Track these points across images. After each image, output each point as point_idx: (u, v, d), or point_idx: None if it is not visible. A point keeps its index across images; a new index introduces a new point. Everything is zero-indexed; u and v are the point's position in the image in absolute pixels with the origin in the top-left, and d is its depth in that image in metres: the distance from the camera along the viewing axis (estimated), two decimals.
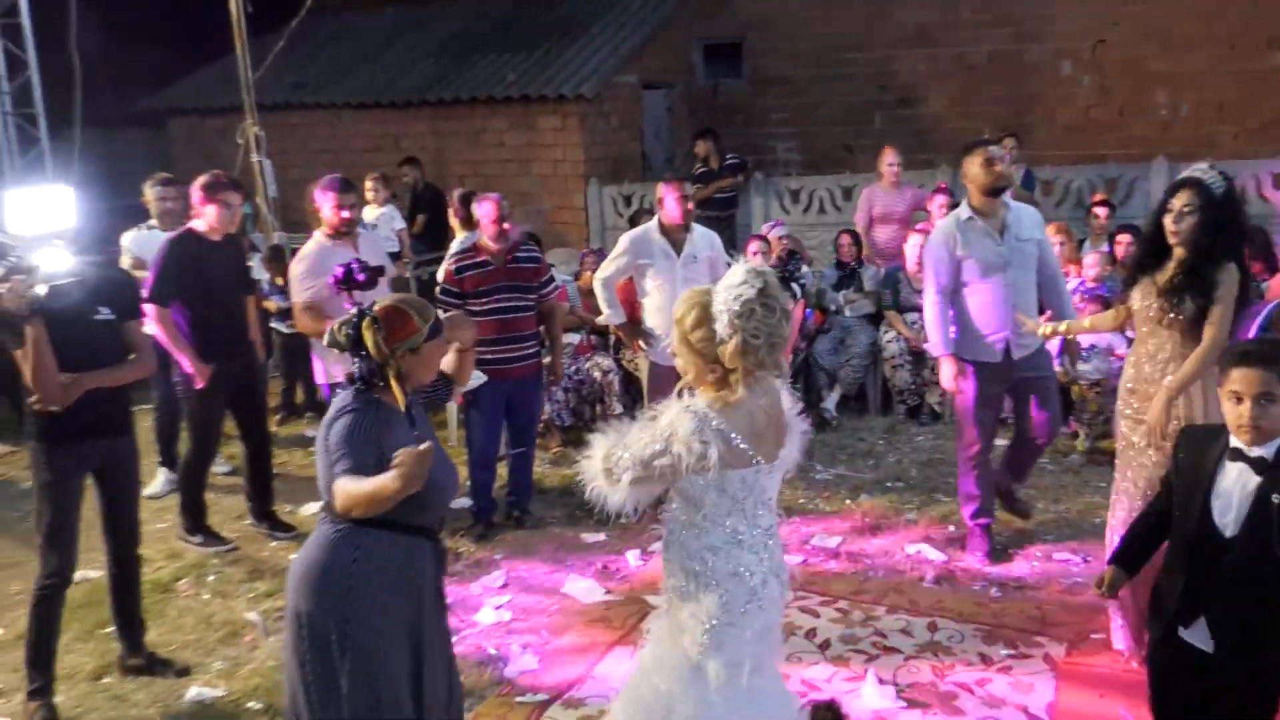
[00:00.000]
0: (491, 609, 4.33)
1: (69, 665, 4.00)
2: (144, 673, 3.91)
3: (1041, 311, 4.62)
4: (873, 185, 7.74)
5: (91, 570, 4.84)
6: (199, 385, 4.88)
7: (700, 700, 2.54)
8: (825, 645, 3.87)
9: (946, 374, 4.52)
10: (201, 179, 4.96)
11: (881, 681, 3.56)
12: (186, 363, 4.87)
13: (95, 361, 3.59)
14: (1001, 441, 5.03)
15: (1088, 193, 8.11)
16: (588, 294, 6.47)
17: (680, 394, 2.55)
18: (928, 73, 10.75)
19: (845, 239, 7.23)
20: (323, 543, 2.56)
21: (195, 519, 5.12)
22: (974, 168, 4.34)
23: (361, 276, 4.49)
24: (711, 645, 2.52)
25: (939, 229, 4.60)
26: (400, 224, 8.08)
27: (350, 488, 2.38)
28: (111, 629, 4.28)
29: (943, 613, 4.08)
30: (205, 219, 4.92)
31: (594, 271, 6.52)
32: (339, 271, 4.49)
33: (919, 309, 6.58)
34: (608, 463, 2.44)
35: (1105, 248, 6.66)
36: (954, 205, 7.25)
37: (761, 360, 2.44)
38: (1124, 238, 6.46)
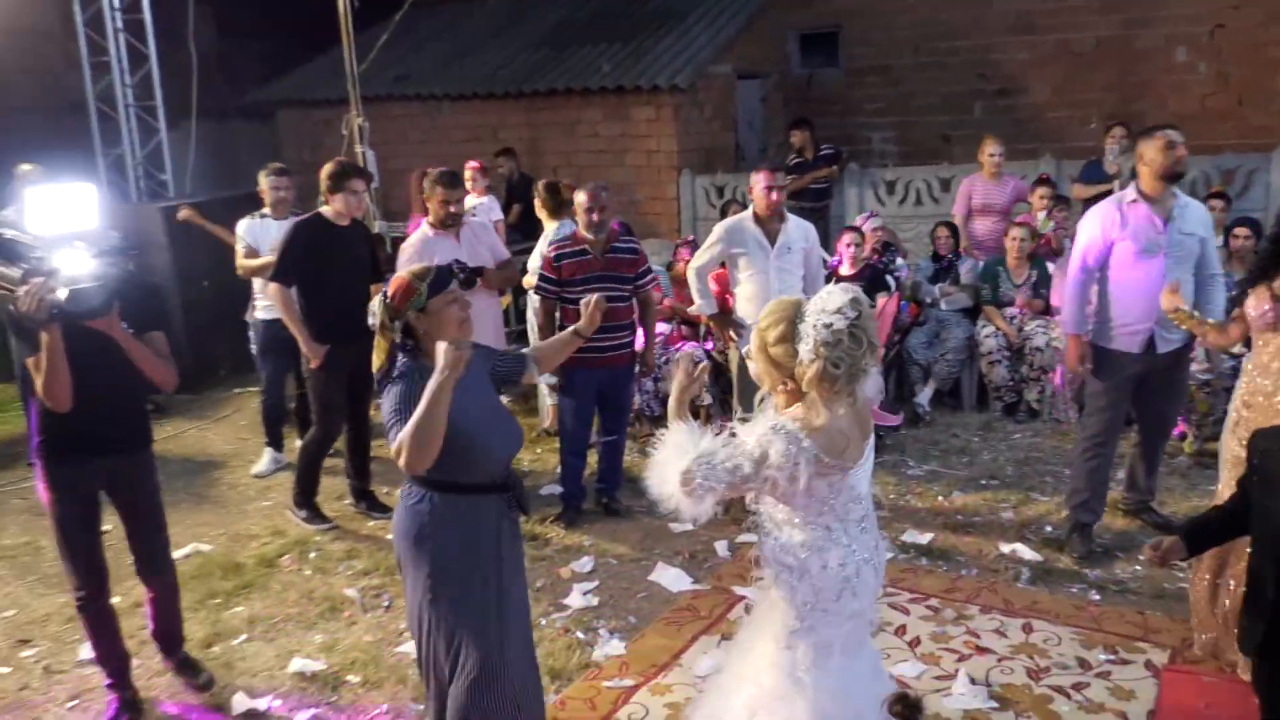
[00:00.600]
0: (580, 594, 4.39)
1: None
2: (176, 673, 3.87)
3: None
4: (972, 176, 7.56)
5: (202, 544, 5.09)
6: (314, 365, 5.06)
7: (789, 679, 2.56)
8: (915, 642, 3.82)
9: (1073, 354, 4.45)
10: (328, 167, 5.13)
11: (973, 681, 3.51)
12: (302, 342, 5.04)
13: (107, 373, 3.32)
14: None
15: (1202, 185, 7.77)
16: (680, 284, 6.49)
17: (761, 402, 2.55)
18: (1030, 60, 10.43)
19: (943, 231, 7.11)
20: (400, 514, 2.88)
21: (306, 494, 5.31)
22: (1152, 151, 4.19)
23: (461, 276, 4.62)
24: (803, 629, 2.55)
25: (1098, 208, 4.46)
26: (498, 215, 8.20)
27: (401, 435, 2.59)
28: (219, 599, 4.50)
29: (1039, 614, 3.98)
30: (333, 205, 5.08)
31: (688, 262, 6.58)
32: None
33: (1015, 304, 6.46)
34: (687, 483, 2.34)
35: (1221, 242, 6.39)
36: (1058, 197, 7.11)
37: (839, 389, 2.39)
38: (1240, 231, 6.18)
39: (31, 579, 4.81)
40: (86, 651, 4.06)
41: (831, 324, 2.33)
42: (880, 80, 11.23)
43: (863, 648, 2.72)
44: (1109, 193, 7.05)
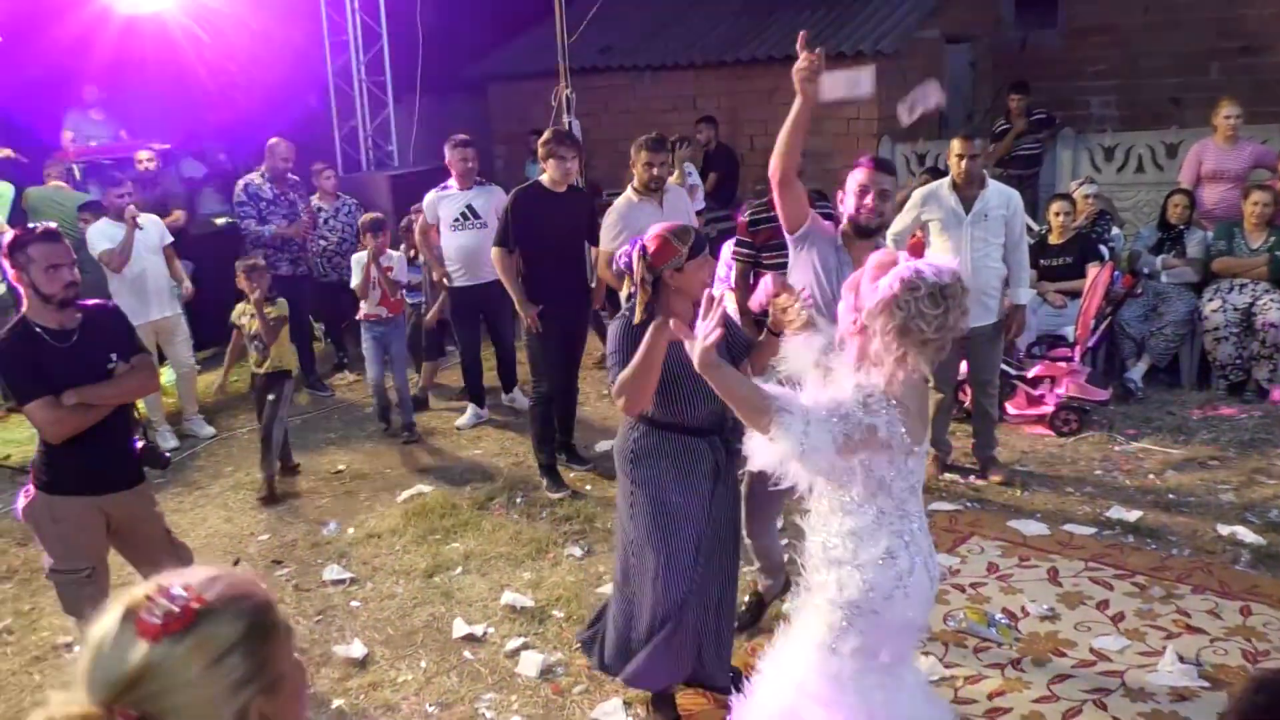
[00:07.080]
0: None
1: (406, 564, 4.62)
2: None
3: None
4: (1204, 140, 7.04)
5: (424, 486, 5.52)
6: (530, 326, 5.27)
7: (832, 684, 2.43)
8: (1119, 618, 3.71)
9: None
10: (543, 136, 5.37)
11: (1182, 659, 3.39)
12: (518, 305, 5.31)
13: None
14: None
15: None
16: None
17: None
18: None
19: (1179, 199, 6.54)
20: (620, 436, 3.24)
21: (543, 463, 5.38)
22: None
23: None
24: (849, 630, 2.41)
25: None
26: (696, 180, 8.38)
27: (621, 376, 2.94)
28: (439, 535, 4.89)
29: (1259, 598, 3.78)
30: (548, 173, 5.31)
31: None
32: (628, 252, 4.82)
33: None
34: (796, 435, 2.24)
35: None
36: None
37: (907, 355, 2.26)
38: None
39: (281, 508, 5.39)
40: (331, 573, 4.55)
41: (921, 271, 2.25)
42: (1104, 40, 10.59)
43: (909, 664, 2.55)
44: None
